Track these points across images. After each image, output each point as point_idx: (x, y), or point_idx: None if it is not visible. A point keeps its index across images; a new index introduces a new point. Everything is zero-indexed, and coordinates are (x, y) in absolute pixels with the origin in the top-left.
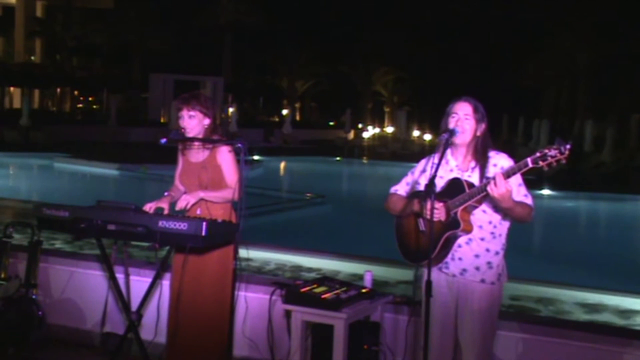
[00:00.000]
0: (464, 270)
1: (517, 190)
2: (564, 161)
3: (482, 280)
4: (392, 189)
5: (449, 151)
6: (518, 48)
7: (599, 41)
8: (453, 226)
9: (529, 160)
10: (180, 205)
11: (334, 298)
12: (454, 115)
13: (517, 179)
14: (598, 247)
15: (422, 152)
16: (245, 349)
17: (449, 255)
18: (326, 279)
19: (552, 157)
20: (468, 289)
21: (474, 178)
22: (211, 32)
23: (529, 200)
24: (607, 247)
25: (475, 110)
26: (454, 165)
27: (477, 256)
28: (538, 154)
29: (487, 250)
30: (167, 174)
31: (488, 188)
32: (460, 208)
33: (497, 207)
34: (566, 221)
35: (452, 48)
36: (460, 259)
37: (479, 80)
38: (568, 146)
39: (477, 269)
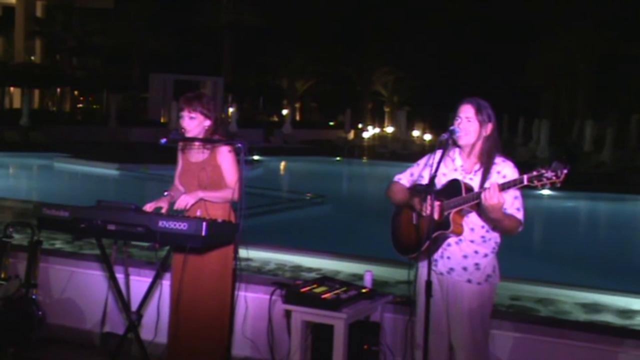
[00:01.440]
0: (451, 269)
1: (511, 202)
2: (558, 184)
3: (469, 281)
4: (396, 177)
5: (457, 150)
6: (518, 48)
7: (599, 41)
8: (443, 227)
9: (525, 177)
10: (179, 205)
11: (334, 298)
12: (457, 118)
13: (514, 190)
14: (598, 247)
15: (422, 152)
16: (245, 349)
17: (438, 253)
18: (326, 279)
19: (547, 178)
20: (457, 288)
21: (475, 181)
22: (211, 32)
23: (519, 215)
24: (607, 247)
25: (478, 112)
26: (459, 165)
27: (465, 257)
28: (535, 173)
29: (476, 252)
30: (167, 174)
31: (482, 195)
32: (454, 210)
33: (485, 216)
34: (566, 221)
35: (452, 48)
36: (448, 257)
37: (479, 81)
38: (565, 171)
39: (465, 269)
